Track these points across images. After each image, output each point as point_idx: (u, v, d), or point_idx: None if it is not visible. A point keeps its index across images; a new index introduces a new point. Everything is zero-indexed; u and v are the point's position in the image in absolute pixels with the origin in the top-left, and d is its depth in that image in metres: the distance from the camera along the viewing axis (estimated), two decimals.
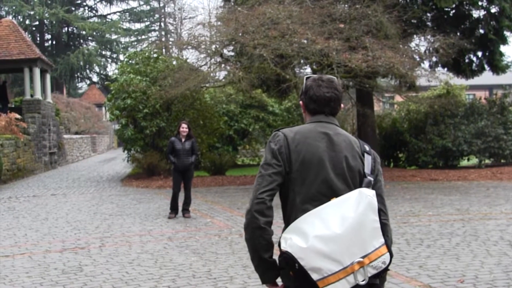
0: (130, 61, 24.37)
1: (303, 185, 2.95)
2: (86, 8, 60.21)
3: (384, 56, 15.82)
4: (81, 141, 38.83)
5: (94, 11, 60.58)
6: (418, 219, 11.26)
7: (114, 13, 67.76)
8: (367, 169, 3.02)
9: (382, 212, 2.93)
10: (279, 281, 3.01)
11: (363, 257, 2.74)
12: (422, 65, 21.39)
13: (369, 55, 15.84)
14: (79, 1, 59.20)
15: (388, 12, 17.42)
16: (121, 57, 53.36)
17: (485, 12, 21.44)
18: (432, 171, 21.16)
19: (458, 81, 28.27)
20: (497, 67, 22.30)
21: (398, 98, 30.20)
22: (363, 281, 2.75)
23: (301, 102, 3.23)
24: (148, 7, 62.76)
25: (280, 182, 2.97)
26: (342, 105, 3.18)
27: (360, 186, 2.95)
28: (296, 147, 2.98)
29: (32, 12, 50.27)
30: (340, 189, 2.92)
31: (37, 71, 27.19)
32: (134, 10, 61.79)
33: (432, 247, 8.60)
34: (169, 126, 21.68)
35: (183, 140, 12.16)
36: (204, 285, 6.82)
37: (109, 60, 61.22)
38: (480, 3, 20.82)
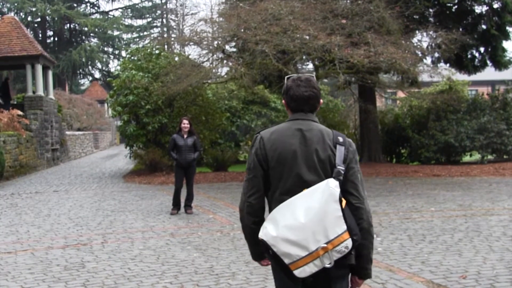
0: (132, 58, 24.37)
1: (280, 180, 3.30)
2: (88, 4, 60.16)
3: (386, 52, 15.81)
4: (83, 138, 38.84)
5: (96, 8, 60.56)
6: (420, 215, 11.25)
7: (116, 9, 67.40)
8: (339, 160, 3.25)
9: (354, 197, 3.25)
10: None
11: (327, 243, 3.04)
12: (424, 60, 21.40)
13: (371, 51, 15.82)
14: None
15: (390, 7, 17.40)
16: (123, 53, 53.25)
17: (488, 7, 21.42)
18: (435, 167, 21.14)
19: (460, 76, 28.32)
20: (500, 63, 22.29)
21: (400, 94, 30.22)
22: (329, 264, 3.07)
23: (283, 101, 3.52)
24: (150, 3, 62.71)
25: (263, 181, 3.36)
26: (321, 101, 3.48)
27: (332, 176, 3.21)
28: (271, 146, 3.32)
29: (34, 9, 50.25)
30: (311, 181, 3.22)
31: (39, 68, 27.19)
32: (136, 6, 61.74)
33: (434, 242, 8.58)
34: (171, 122, 21.67)
35: (185, 136, 12.16)
36: (206, 281, 6.82)
37: (111, 56, 61.26)
38: None
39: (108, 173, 23.85)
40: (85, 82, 69.02)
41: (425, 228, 9.77)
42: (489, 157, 23.27)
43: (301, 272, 3.07)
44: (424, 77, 22.24)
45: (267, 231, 3.13)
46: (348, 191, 3.24)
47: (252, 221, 3.36)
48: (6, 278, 7.20)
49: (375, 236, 3.23)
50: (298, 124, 3.35)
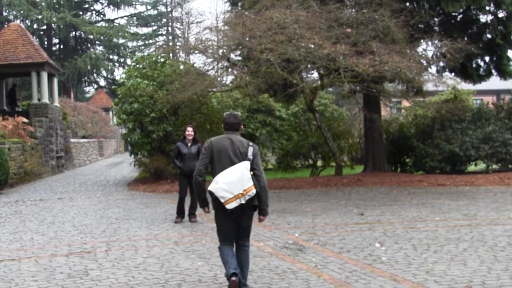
0: (137, 65, 24.40)
1: (219, 162, 6.38)
2: (94, 12, 60.38)
3: (391, 61, 15.79)
4: (88, 145, 38.91)
5: (101, 16, 60.76)
6: (425, 224, 11.21)
7: (122, 17, 67.85)
8: (250, 153, 6.38)
9: (257, 171, 6.37)
10: None
11: (243, 191, 6.14)
12: (429, 70, 21.35)
13: (376, 60, 15.81)
14: (86, 6, 59.39)
15: (395, 16, 17.39)
16: (128, 61, 53.42)
17: (493, 16, 21.39)
18: (439, 176, 21.05)
19: (465, 86, 28.21)
20: (505, 72, 22.26)
21: (405, 103, 30.12)
22: (244, 201, 6.17)
23: (223, 125, 6.67)
24: (156, 12, 62.99)
25: (209, 161, 6.45)
26: (242, 126, 6.82)
27: (246, 160, 6.32)
28: (215, 145, 6.45)
29: (40, 16, 50.43)
30: (236, 163, 6.28)
31: (44, 75, 27.26)
32: (142, 14, 61.98)
33: (439, 252, 8.56)
34: (176, 130, 21.65)
35: (189, 144, 12.17)
36: None
37: (117, 64, 61.37)
38: (487, 8, 20.77)
39: (113, 181, 23.87)
40: (90, 89, 69.27)
41: (430, 238, 9.74)
42: (494, 166, 23.17)
43: (230, 206, 6.15)
44: (429, 86, 22.19)
45: (213, 186, 6.20)
46: (254, 168, 6.34)
47: (200, 179, 6.42)
48: (10, 286, 7.21)
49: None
50: (230, 135, 6.52)
